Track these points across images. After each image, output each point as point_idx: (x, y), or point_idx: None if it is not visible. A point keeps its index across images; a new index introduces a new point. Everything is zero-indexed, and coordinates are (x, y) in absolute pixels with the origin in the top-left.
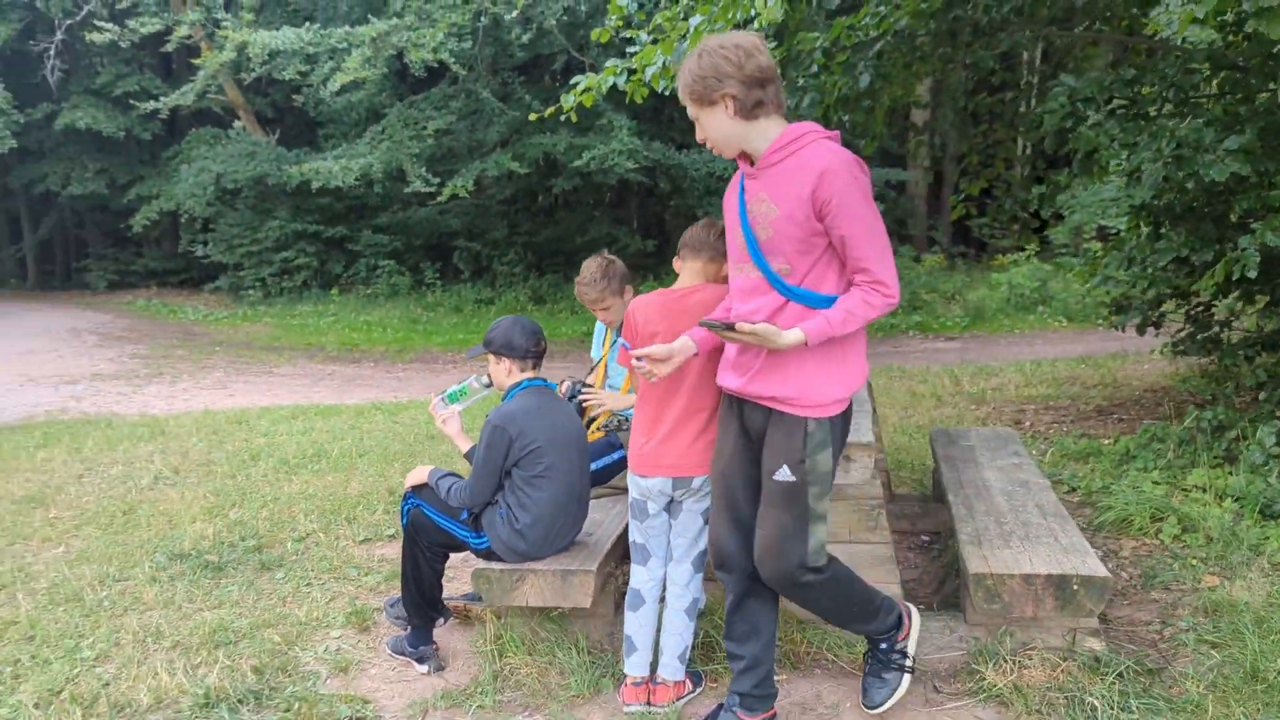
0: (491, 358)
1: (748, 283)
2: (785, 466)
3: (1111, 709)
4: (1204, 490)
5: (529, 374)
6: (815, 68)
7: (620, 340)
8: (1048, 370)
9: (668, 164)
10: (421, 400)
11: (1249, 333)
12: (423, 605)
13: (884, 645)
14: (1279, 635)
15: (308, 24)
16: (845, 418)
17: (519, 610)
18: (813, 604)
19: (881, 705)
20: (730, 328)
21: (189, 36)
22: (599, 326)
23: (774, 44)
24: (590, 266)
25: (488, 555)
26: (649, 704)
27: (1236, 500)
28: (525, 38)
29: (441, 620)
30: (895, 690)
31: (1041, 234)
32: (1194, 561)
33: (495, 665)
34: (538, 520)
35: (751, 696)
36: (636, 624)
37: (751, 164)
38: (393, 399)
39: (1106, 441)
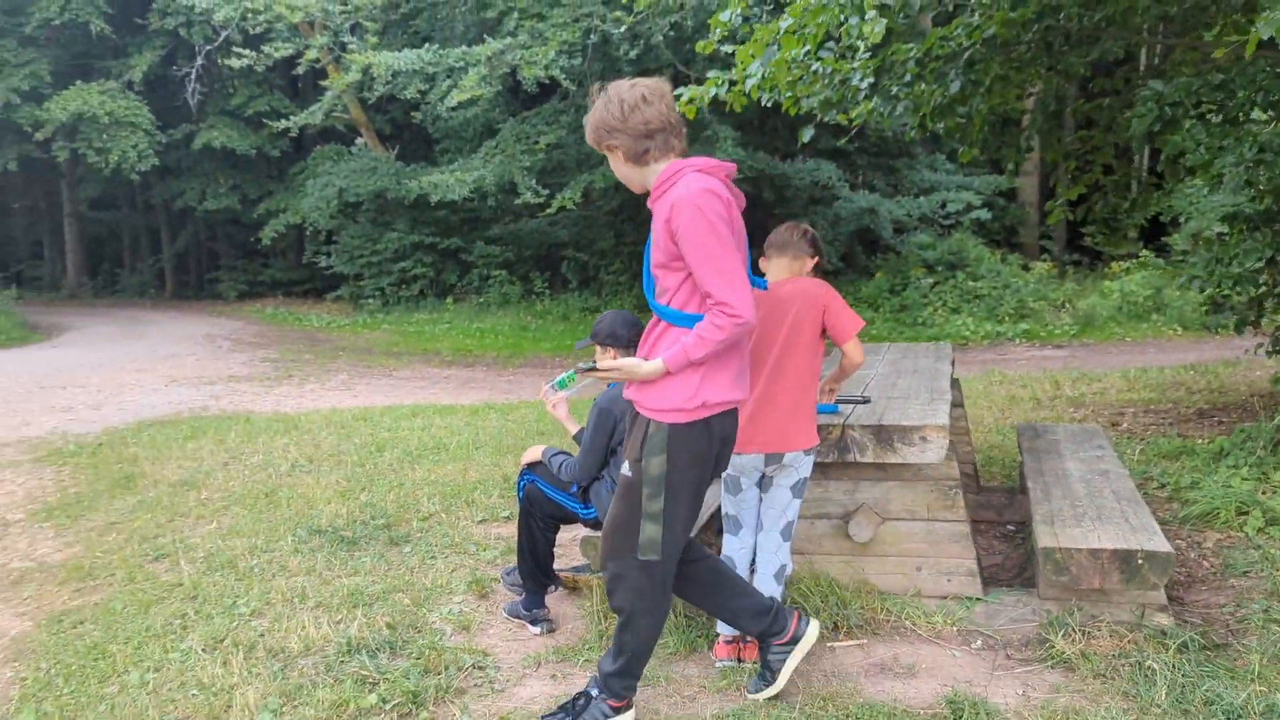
0: (598, 348)
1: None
2: (627, 462)
3: (1171, 674)
4: None
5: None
6: (909, 77)
7: None
8: (1153, 376)
9: (772, 173)
10: (532, 400)
11: None
12: (536, 572)
13: (765, 643)
14: None
15: (427, 45)
16: (692, 432)
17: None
18: (620, 595)
19: (757, 694)
20: (592, 369)
21: (317, 60)
22: None
23: (868, 55)
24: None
25: (595, 525)
26: (739, 659)
27: None
28: (633, 53)
29: (552, 587)
30: (771, 686)
31: (1158, 241)
32: (1274, 552)
33: (600, 626)
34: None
35: (614, 676)
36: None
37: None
38: (505, 400)
39: (1201, 442)
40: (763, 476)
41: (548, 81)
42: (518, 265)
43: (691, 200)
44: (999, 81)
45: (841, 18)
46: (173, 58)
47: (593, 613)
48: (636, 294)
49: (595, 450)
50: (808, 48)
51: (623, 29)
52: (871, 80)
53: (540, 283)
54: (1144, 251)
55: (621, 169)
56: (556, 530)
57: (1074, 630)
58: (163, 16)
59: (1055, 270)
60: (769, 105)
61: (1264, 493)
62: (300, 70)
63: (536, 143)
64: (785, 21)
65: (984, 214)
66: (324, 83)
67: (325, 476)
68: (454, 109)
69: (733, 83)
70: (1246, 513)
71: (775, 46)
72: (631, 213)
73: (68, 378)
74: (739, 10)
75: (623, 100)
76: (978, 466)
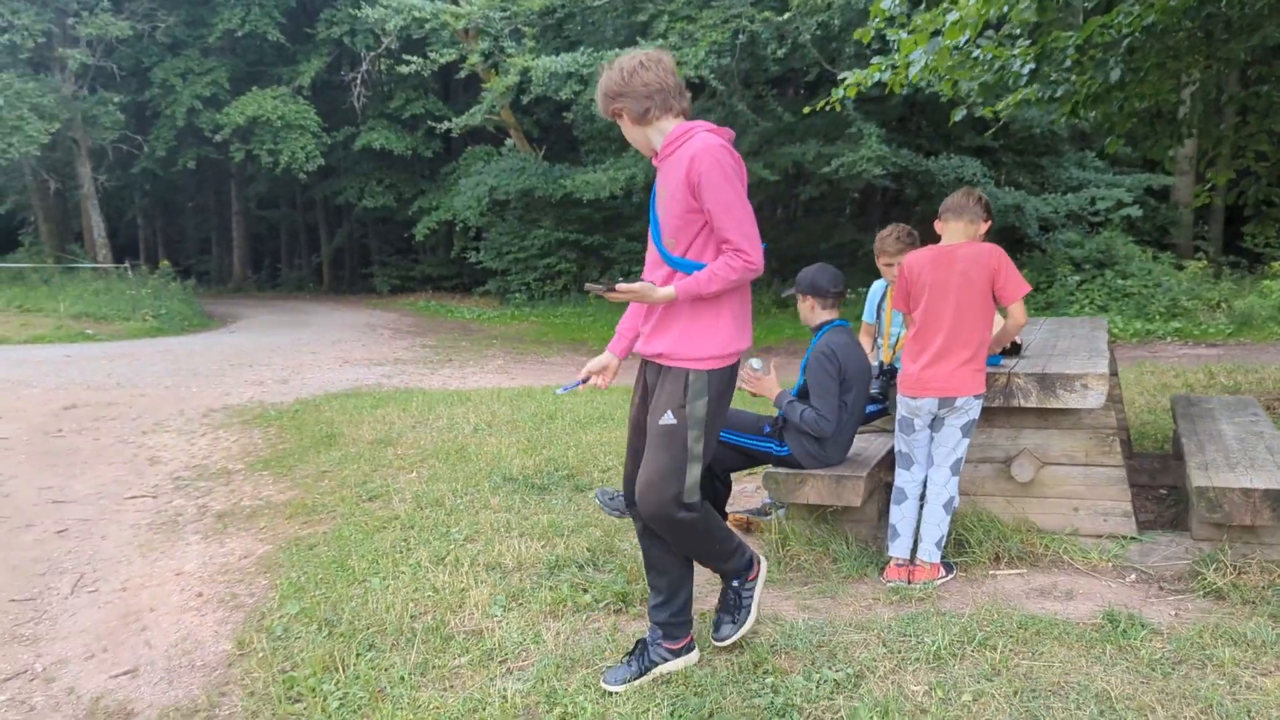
0: (799, 297)
1: (652, 257)
2: (669, 411)
3: None
4: None
5: (831, 314)
6: (1069, 63)
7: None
8: None
9: (915, 170)
10: None
11: None
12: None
13: (735, 583)
14: None
15: (581, 48)
16: (723, 376)
17: (799, 510)
18: (682, 540)
19: (728, 639)
20: (612, 289)
21: (479, 64)
22: (874, 289)
23: (1028, 42)
24: (897, 229)
25: (785, 462)
26: (909, 581)
27: None
28: (780, 52)
29: None
30: (741, 627)
31: None
32: None
33: (780, 554)
34: (838, 437)
35: (670, 624)
36: (900, 515)
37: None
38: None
39: None
40: (934, 418)
41: (698, 81)
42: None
43: (711, 153)
44: (1155, 70)
45: (1004, 7)
46: (337, 64)
47: (773, 542)
48: (774, 289)
49: (832, 393)
50: (968, 35)
51: (774, 28)
52: (1032, 66)
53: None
54: None
55: (631, 132)
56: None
57: (1225, 564)
58: (329, 26)
59: (1211, 270)
60: (922, 97)
61: None
62: (462, 74)
63: None
64: (952, 15)
65: (1135, 211)
66: (484, 85)
67: (506, 438)
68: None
69: (894, 67)
70: None
71: (939, 35)
72: (769, 210)
73: (250, 358)
74: (898, 1)
75: (623, 67)
76: (1130, 435)
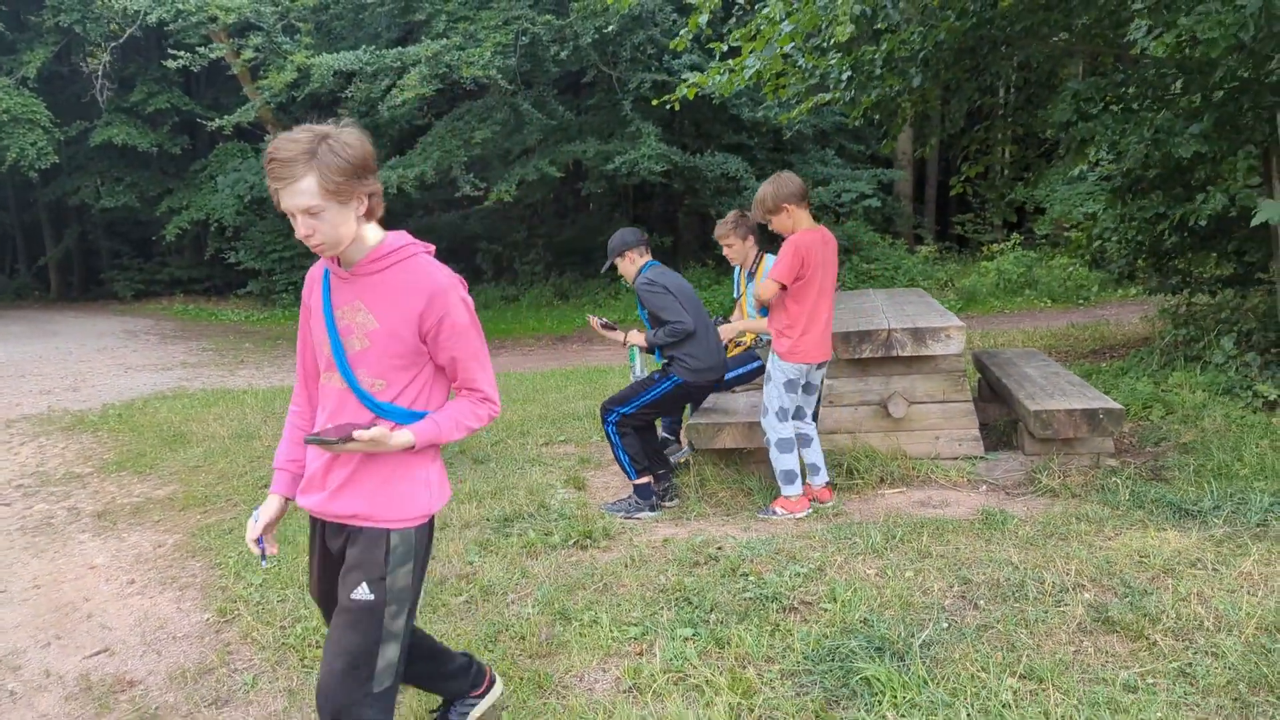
0: (620, 259)
1: (333, 394)
2: (365, 584)
3: (1128, 486)
4: (1180, 386)
5: (645, 258)
6: (877, 72)
7: (759, 276)
8: (1044, 331)
9: (684, 166)
10: (498, 374)
11: (1211, 276)
12: (654, 469)
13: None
14: (1231, 446)
15: (364, 46)
16: (427, 534)
17: (714, 455)
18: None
19: None
20: (348, 439)
21: (253, 59)
22: (736, 270)
23: (840, 55)
24: (730, 215)
25: (685, 392)
26: (821, 502)
27: (1205, 390)
28: (563, 54)
29: (662, 474)
30: None
31: (1023, 228)
32: (1175, 428)
33: (700, 492)
34: (702, 338)
35: (463, 690)
36: (814, 453)
37: (341, 265)
38: None
39: (1104, 365)
40: (807, 381)
41: (486, 80)
42: (434, 257)
43: (455, 291)
44: (931, 81)
45: (821, 24)
46: (66, 53)
47: (692, 484)
48: (553, 283)
49: (674, 304)
50: (794, 43)
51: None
52: (849, 74)
53: (458, 273)
54: (1014, 235)
55: (348, 223)
56: (654, 429)
57: (1054, 471)
58: (56, 14)
59: (937, 253)
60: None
61: (1162, 392)
62: (236, 70)
63: (471, 138)
64: (786, 25)
65: (875, 202)
66: (260, 81)
67: None
68: (395, 107)
69: (730, 71)
70: (1150, 406)
71: (774, 44)
72: (540, 207)
73: (18, 369)
74: (707, 15)
75: (360, 138)
76: None
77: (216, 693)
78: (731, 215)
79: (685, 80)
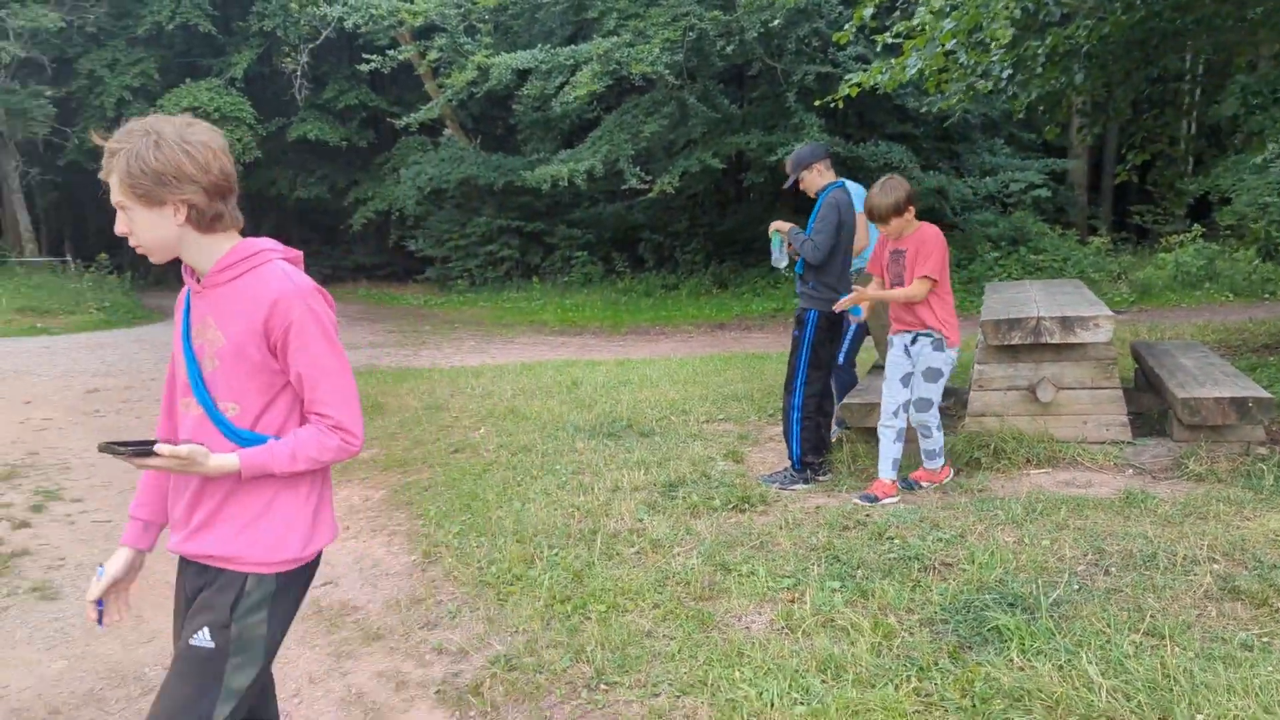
0: (806, 172)
1: (190, 420)
2: (206, 629)
3: (1275, 474)
4: None
5: (831, 175)
6: (1039, 68)
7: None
8: (1218, 325)
9: (846, 156)
10: (659, 358)
11: None
12: (819, 447)
13: None
14: None
15: (540, 45)
16: (298, 582)
17: (867, 432)
18: None
19: None
20: (149, 451)
21: (436, 59)
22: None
23: (1003, 51)
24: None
25: (827, 325)
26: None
27: None
28: (728, 49)
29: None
30: None
31: (1207, 219)
32: None
33: (851, 467)
34: (827, 277)
35: None
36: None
37: (197, 279)
38: (640, 356)
39: (1273, 359)
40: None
41: (654, 76)
42: (598, 247)
43: (303, 298)
44: (1097, 73)
45: (983, 21)
46: (267, 55)
47: (843, 459)
48: (712, 271)
49: (829, 233)
50: (955, 40)
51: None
52: (1010, 71)
53: (621, 262)
54: (1195, 226)
55: (166, 231)
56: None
57: (1202, 456)
58: (260, 19)
59: (1110, 244)
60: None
61: None
62: (420, 70)
63: (639, 132)
64: (949, 23)
65: (1045, 192)
66: (418, 74)
67: (547, 401)
68: (567, 103)
69: (891, 68)
70: None
71: (935, 43)
72: (705, 197)
73: None
74: (872, 8)
75: (204, 143)
76: None
77: (426, 618)
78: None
79: (847, 79)
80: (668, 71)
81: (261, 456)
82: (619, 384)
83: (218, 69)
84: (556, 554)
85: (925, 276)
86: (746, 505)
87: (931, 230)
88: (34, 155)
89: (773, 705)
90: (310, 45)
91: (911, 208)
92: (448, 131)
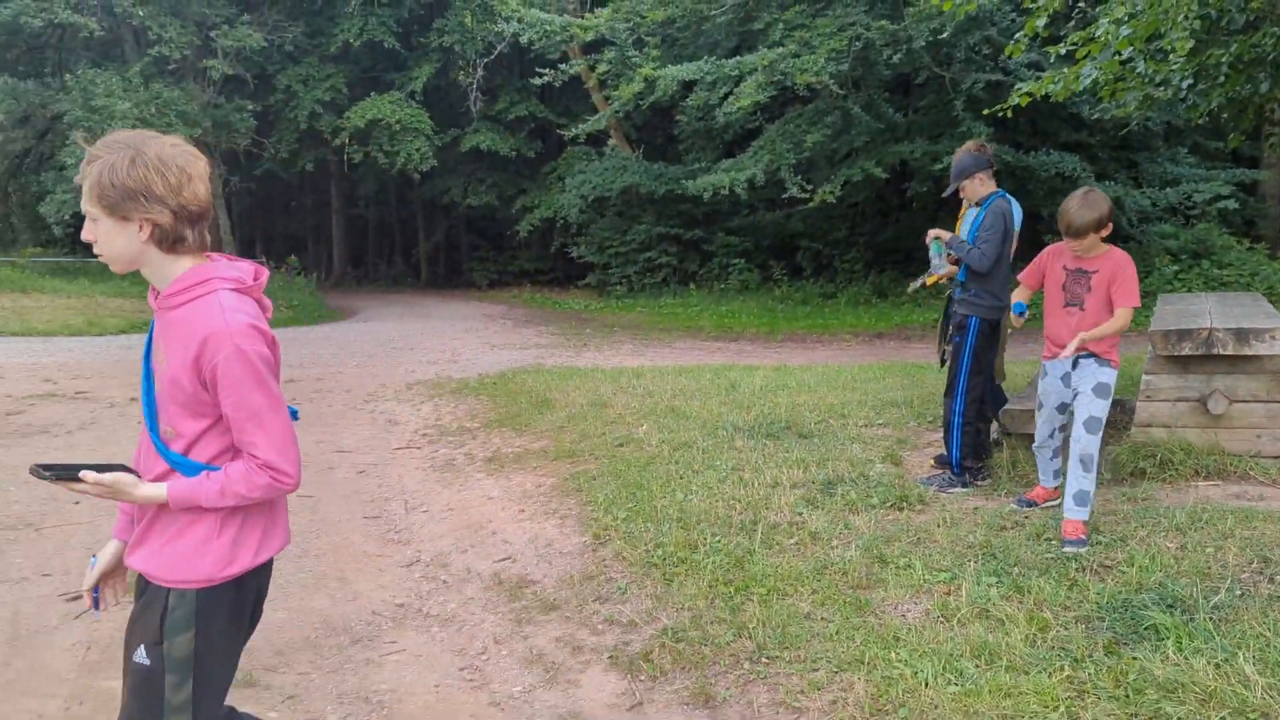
0: (968, 181)
1: (143, 439)
2: (142, 646)
3: None
4: None
5: (993, 185)
6: (1221, 77)
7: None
8: None
9: (1016, 165)
10: (816, 365)
11: None
12: (972, 456)
13: None
14: None
15: (705, 56)
16: (223, 601)
17: (1028, 438)
18: None
19: None
20: (74, 476)
21: (605, 72)
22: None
23: (1182, 59)
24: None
25: (989, 331)
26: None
27: None
28: (895, 58)
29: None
30: None
31: None
32: None
33: (1010, 472)
34: (993, 281)
35: None
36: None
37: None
38: (787, 364)
39: None
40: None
41: (818, 86)
42: (755, 254)
43: (233, 339)
44: None
45: (1162, 28)
46: (444, 69)
47: (1003, 464)
48: (872, 281)
49: (996, 242)
50: (1131, 49)
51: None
52: (1190, 80)
53: (778, 270)
54: None
55: (129, 246)
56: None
57: None
58: (440, 35)
59: None
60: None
61: None
62: (591, 83)
63: (802, 141)
64: (1125, 30)
65: (1231, 204)
66: (611, 92)
67: (706, 401)
68: (731, 113)
69: (1063, 77)
70: None
71: (1109, 51)
72: (863, 206)
73: (404, 343)
74: (1045, 18)
75: (183, 167)
76: None
77: (597, 593)
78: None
79: (1018, 88)
80: (832, 81)
81: (189, 489)
82: (777, 388)
83: (399, 83)
84: (719, 540)
85: (1132, 307)
86: (904, 504)
87: (1125, 255)
88: (233, 164)
89: (927, 684)
90: (485, 60)
91: (1109, 226)
92: (612, 141)
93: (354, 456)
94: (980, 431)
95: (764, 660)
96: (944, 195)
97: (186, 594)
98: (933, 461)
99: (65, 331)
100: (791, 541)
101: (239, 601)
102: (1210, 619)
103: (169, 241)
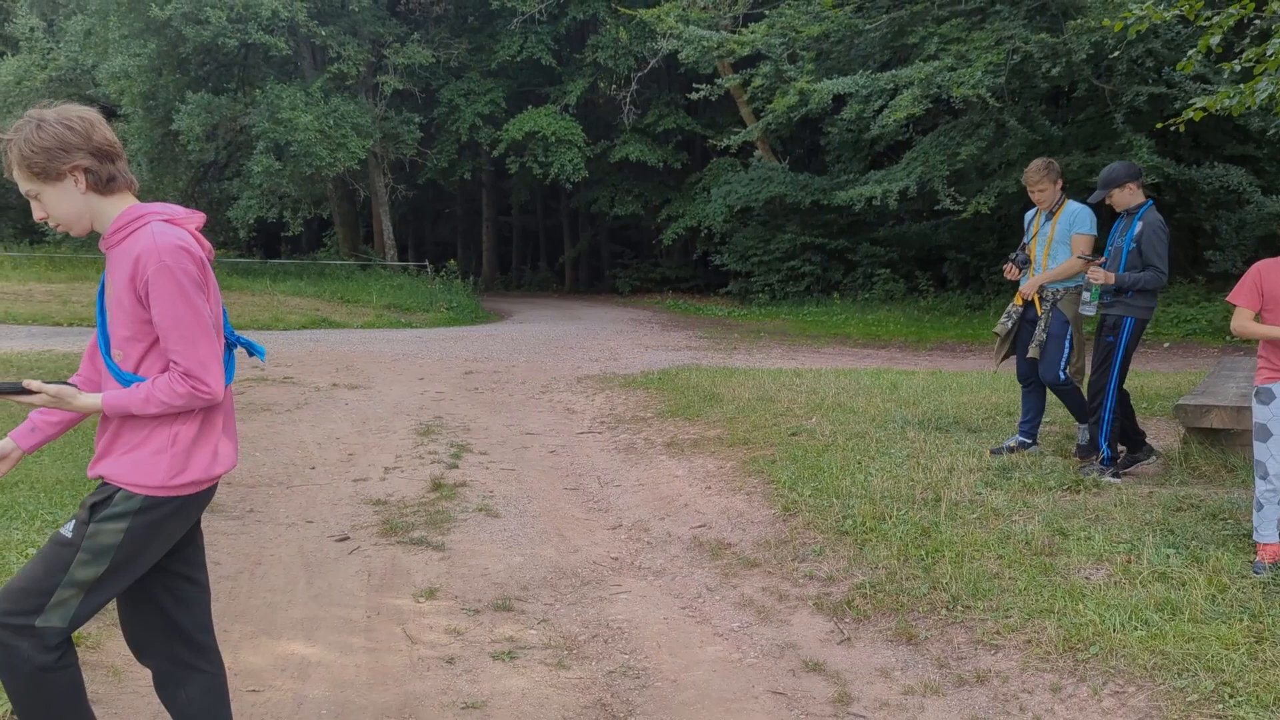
0: (1118, 191)
1: (101, 368)
2: (73, 521)
3: None
4: None
5: (1142, 195)
6: None
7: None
8: None
9: (1177, 178)
10: (972, 371)
11: None
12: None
13: None
14: None
15: (860, 70)
16: (165, 511)
17: (1201, 432)
18: (11, 686)
19: None
20: (20, 389)
21: (761, 86)
22: (1028, 215)
23: None
24: (1041, 162)
25: (1140, 329)
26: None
27: None
28: (1054, 70)
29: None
30: None
31: None
32: None
33: (1183, 465)
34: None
35: None
36: None
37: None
38: (941, 369)
39: None
40: None
41: (974, 99)
42: (900, 265)
43: (159, 256)
44: None
45: None
46: (596, 84)
47: (1176, 456)
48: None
49: (1165, 255)
50: None
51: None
52: None
53: (924, 281)
54: None
55: (73, 201)
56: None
57: None
58: (594, 50)
59: None
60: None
61: None
62: (746, 98)
63: (955, 153)
64: None
65: None
66: (765, 105)
67: (871, 398)
68: (885, 125)
69: (1240, 93)
70: None
71: None
72: (1013, 219)
73: (564, 342)
74: (1219, 35)
75: (82, 116)
76: None
77: (794, 554)
78: (1042, 162)
79: (1192, 104)
80: (989, 94)
81: (121, 398)
82: (939, 388)
83: (554, 96)
84: (904, 513)
85: None
86: (1080, 488)
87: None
88: (399, 174)
89: (1114, 630)
90: (639, 75)
91: None
92: (758, 152)
93: (542, 439)
94: (1121, 420)
95: (960, 609)
96: (1090, 200)
97: (134, 496)
98: (1074, 451)
99: (254, 325)
100: (974, 516)
101: (177, 518)
102: None
103: (103, 183)
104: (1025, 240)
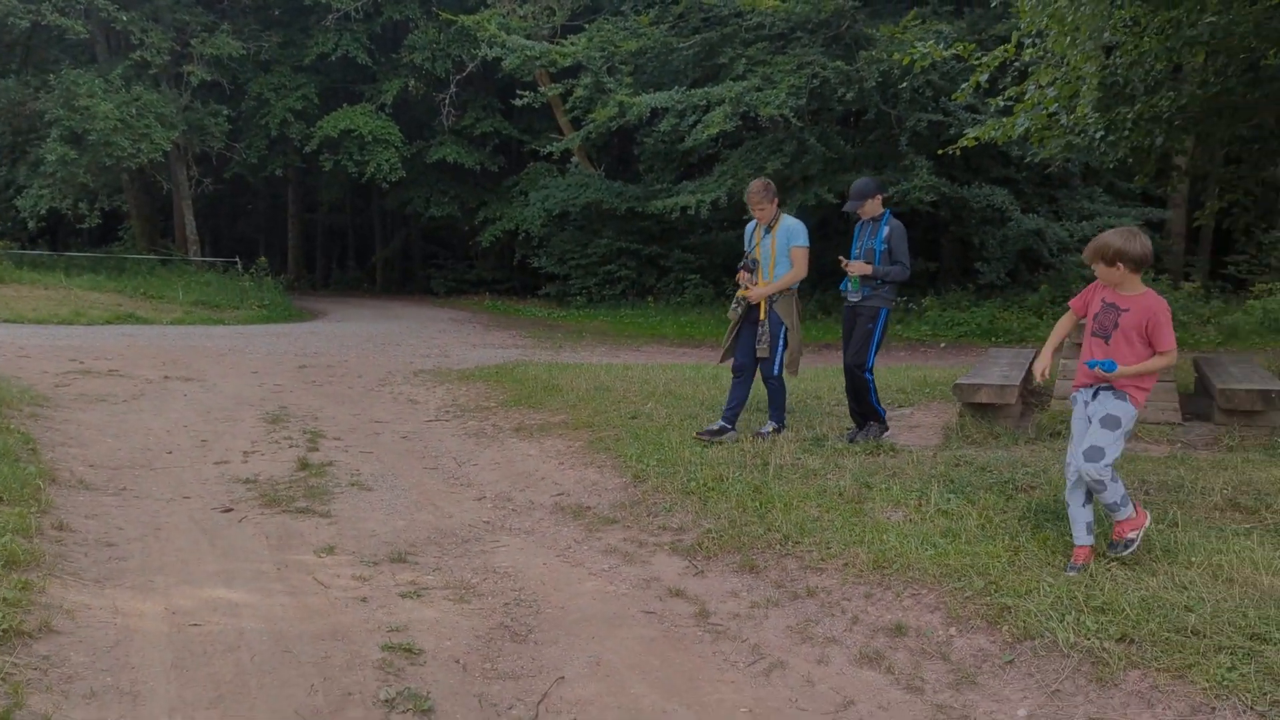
0: (870, 201)
1: None
2: None
3: None
4: None
5: (882, 206)
6: (1126, 130)
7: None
8: None
9: (951, 196)
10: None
11: None
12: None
13: None
14: None
15: (675, 86)
16: None
17: (972, 407)
18: None
19: None
20: None
21: (581, 97)
22: (749, 227)
23: (1097, 114)
24: (761, 183)
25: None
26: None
27: None
28: (848, 95)
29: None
30: None
31: None
32: None
33: (959, 434)
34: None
35: None
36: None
37: None
38: None
39: None
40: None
41: (779, 118)
42: (709, 271)
43: None
44: (1179, 132)
45: (1075, 94)
46: (408, 85)
47: (954, 426)
48: (816, 298)
49: (907, 251)
50: (1058, 104)
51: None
52: (1102, 132)
53: (731, 286)
54: None
55: None
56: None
57: (1235, 434)
58: (412, 51)
59: (1201, 290)
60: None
61: None
62: (568, 108)
63: (762, 168)
64: (1051, 90)
65: None
66: (585, 115)
67: (698, 387)
68: (697, 139)
69: (1002, 127)
70: None
71: (1041, 105)
72: (813, 229)
73: (386, 340)
74: (985, 76)
75: None
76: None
77: (648, 511)
78: (761, 183)
79: (966, 133)
80: (791, 114)
81: None
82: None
83: (369, 95)
84: (740, 475)
85: (1170, 351)
86: (879, 451)
87: (1164, 303)
88: (205, 166)
89: (910, 552)
90: (457, 78)
91: (1136, 266)
92: (574, 159)
93: (392, 426)
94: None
95: (790, 544)
96: (844, 209)
97: None
98: (845, 432)
99: (55, 320)
100: (796, 476)
101: None
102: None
103: None
104: (749, 249)
